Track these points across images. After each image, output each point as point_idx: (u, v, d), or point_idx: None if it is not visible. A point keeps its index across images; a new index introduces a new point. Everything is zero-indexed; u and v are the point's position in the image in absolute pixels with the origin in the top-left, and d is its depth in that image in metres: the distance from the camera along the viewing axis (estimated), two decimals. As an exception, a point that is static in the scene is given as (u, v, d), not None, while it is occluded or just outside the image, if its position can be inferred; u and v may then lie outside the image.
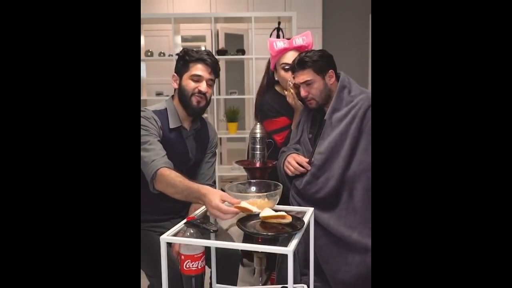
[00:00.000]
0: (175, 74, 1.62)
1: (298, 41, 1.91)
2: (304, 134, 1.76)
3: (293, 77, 1.73)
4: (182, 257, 1.19)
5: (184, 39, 4.52)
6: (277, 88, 2.05)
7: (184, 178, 1.35)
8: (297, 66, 1.68)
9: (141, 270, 1.45)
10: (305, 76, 1.67)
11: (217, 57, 3.32)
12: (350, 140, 1.59)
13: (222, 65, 4.47)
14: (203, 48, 5.33)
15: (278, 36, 2.97)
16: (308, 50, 1.75)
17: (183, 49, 1.64)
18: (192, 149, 1.66)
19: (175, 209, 1.64)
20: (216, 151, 1.81)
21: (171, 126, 1.59)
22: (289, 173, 1.70)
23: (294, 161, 1.68)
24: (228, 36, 4.40)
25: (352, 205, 1.57)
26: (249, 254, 2.29)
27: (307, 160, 1.66)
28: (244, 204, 1.13)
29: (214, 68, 1.61)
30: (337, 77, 1.72)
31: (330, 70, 1.68)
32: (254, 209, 1.13)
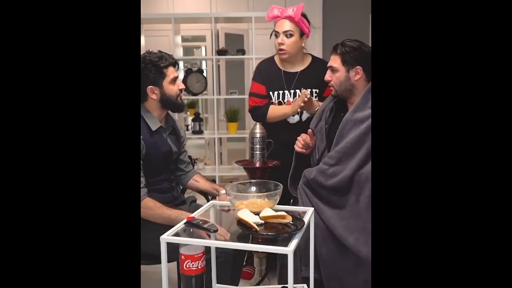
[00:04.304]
0: (152, 86, 1.63)
1: (289, 11, 1.98)
2: (322, 122, 1.78)
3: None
4: (182, 257, 1.19)
5: (184, 39, 4.51)
6: (276, 58, 2.12)
7: (162, 207, 1.55)
8: (333, 49, 1.71)
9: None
10: (332, 61, 1.69)
11: (217, 57, 3.36)
12: (368, 144, 1.54)
13: (222, 65, 4.47)
14: (203, 48, 5.33)
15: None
16: (351, 39, 1.73)
17: (145, 58, 1.64)
18: (174, 145, 1.75)
19: (172, 198, 1.75)
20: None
21: (153, 128, 1.66)
22: (297, 148, 1.78)
23: (300, 138, 1.76)
24: (228, 36, 4.39)
25: (357, 209, 1.54)
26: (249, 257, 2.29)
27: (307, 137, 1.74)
28: (246, 218, 1.11)
29: (178, 65, 1.71)
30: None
31: (358, 67, 1.65)
32: (255, 226, 1.10)
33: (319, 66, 2.07)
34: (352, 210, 1.55)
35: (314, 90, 2.05)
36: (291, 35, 1.97)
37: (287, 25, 1.97)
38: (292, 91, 2.06)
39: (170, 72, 1.64)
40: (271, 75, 2.07)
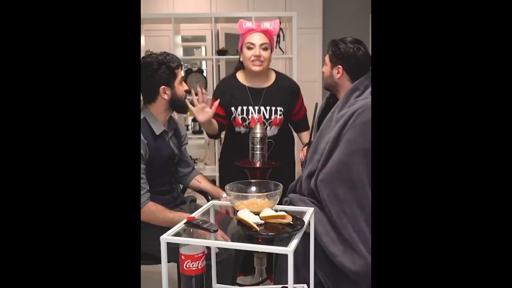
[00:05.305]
0: (165, 87, 1.66)
1: (266, 25, 2.02)
2: (315, 118, 1.86)
3: None
4: (182, 257, 1.19)
5: (184, 39, 4.51)
6: (238, 75, 2.12)
7: (164, 210, 1.60)
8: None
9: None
10: (326, 56, 1.77)
11: (217, 57, 3.36)
12: (330, 147, 1.54)
13: (222, 65, 4.47)
14: (203, 48, 5.33)
15: (278, 37, 2.99)
16: (347, 37, 1.75)
17: (157, 58, 1.65)
18: (176, 147, 1.79)
19: (173, 199, 1.79)
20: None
21: (157, 132, 1.68)
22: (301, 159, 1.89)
23: (302, 153, 1.90)
24: (228, 36, 4.39)
25: (325, 212, 1.54)
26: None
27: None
28: (246, 218, 1.11)
29: (181, 66, 1.75)
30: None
31: (339, 66, 1.70)
32: (255, 226, 1.10)
33: (284, 83, 2.12)
34: (322, 214, 1.53)
35: (279, 108, 2.07)
36: (266, 48, 2.00)
37: (263, 38, 2.00)
38: (256, 107, 2.06)
39: (179, 72, 1.70)
40: (234, 91, 2.07)
